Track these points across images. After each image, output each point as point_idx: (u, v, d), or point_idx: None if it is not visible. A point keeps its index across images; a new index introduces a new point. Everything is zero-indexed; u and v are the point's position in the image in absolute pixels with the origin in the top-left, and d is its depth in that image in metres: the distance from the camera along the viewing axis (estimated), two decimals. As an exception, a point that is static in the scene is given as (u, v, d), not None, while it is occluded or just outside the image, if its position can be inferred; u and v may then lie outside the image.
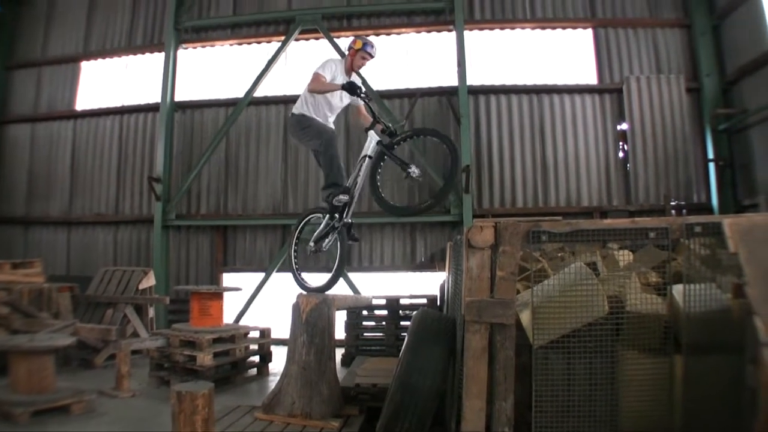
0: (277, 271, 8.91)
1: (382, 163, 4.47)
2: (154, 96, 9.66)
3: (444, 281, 6.28)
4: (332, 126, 4.77)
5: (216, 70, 9.79)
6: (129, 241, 9.58)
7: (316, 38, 9.40)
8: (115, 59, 10.27)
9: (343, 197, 4.45)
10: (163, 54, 9.63)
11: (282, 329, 6.31)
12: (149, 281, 7.76)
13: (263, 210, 9.10)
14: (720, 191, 8.57)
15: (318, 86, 4.42)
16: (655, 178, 8.52)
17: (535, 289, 2.98)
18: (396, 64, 9.16)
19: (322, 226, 4.79)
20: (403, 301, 7.24)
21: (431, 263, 8.74)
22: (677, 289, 3.02)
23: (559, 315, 2.92)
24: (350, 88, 4.28)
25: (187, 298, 7.19)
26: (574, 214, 8.53)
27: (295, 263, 4.97)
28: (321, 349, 4.19)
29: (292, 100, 9.18)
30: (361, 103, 4.65)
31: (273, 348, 6.93)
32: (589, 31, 9.00)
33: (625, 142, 8.71)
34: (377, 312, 7.27)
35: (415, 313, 3.90)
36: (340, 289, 8.21)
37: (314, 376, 4.11)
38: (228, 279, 9.26)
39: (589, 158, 8.67)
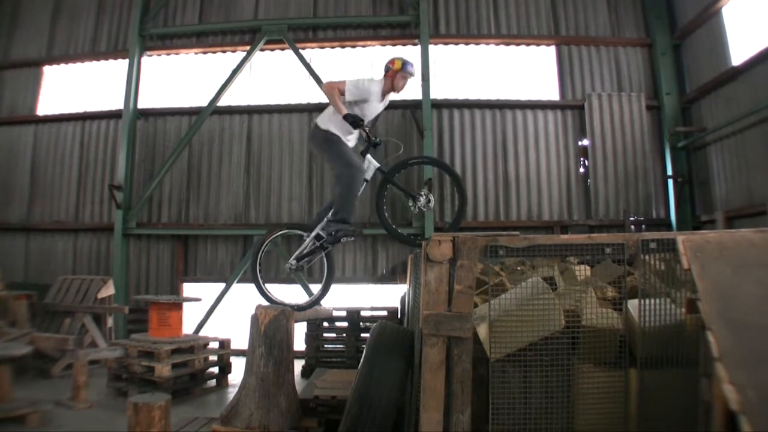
0: (237, 282, 9.71)
1: (385, 192, 4.85)
2: (116, 103, 10.46)
3: (405, 294, 6.98)
4: (357, 157, 4.98)
5: (180, 79, 10.63)
6: (89, 249, 10.33)
7: (282, 49, 10.29)
8: (79, 65, 11.07)
9: (350, 238, 4.84)
10: (127, 60, 10.46)
11: (242, 340, 6.78)
12: (108, 290, 8.47)
13: (225, 220, 9.94)
14: (678, 207, 9.58)
15: (331, 96, 4.75)
16: (615, 194, 9.50)
17: (492, 303, 3.26)
18: (361, 76, 10.04)
19: (307, 246, 5.08)
20: (363, 313, 7.96)
21: (393, 275, 9.62)
22: (632, 304, 3.35)
23: (515, 329, 3.18)
24: (353, 122, 4.59)
25: (146, 308, 7.74)
26: (535, 228, 9.48)
27: (261, 277, 5.29)
28: (279, 361, 4.44)
29: (255, 110, 10.11)
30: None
31: (233, 359, 7.49)
32: (553, 48, 10.05)
33: (586, 157, 9.70)
34: (338, 324, 7.99)
35: (373, 325, 4.26)
36: (301, 300, 9.09)
37: (272, 387, 4.34)
38: (189, 289, 10.05)
39: (550, 173, 9.63)
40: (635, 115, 9.63)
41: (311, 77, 9.88)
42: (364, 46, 10.23)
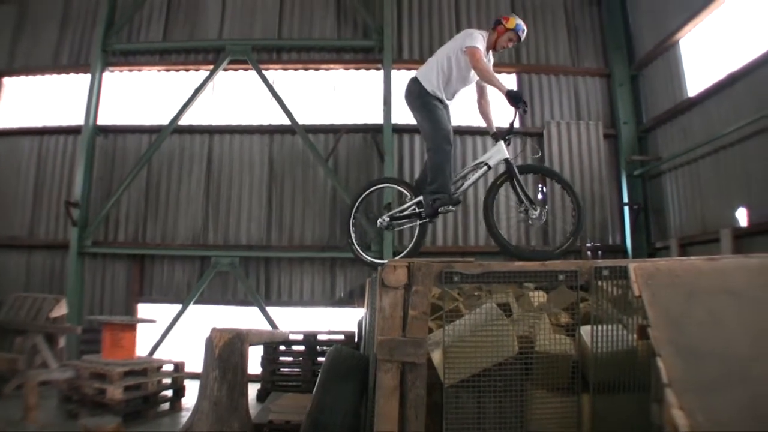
0: (194, 303, 10.03)
1: (501, 189, 4.79)
2: (76, 118, 10.75)
3: (362, 318, 7.16)
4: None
5: (142, 96, 10.97)
6: (42, 267, 10.53)
7: (245, 69, 10.73)
8: (40, 77, 11.33)
9: (452, 208, 4.72)
10: (89, 75, 10.77)
11: (197, 363, 7.01)
12: (61, 310, 8.65)
13: (182, 240, 10.27)
14: (634, 234, 10.18)
15: (485, 72, 4.52)
16: (572, 220, 10.03)
17: (446, 329, 3.38)
18: (323, 100, 10.56)
19: (406, 207, 5.01)
20: (320, 337, 8.26)
21: (350, 299, 10.04)
22: (585, 330, 3.52)
23: (470, 354, 3.31)
24: (515, 96, 4.48)
25: (100, 329, 7.79)
26: (493, 254, 9.95)
27: (354, 236, 5.24)
28: (233, 385, 4.60)
29: (217, 130, 10.52)
30: (488, 90, 5.05)
31: (187, 382, 7.60)
32: (514, 76, 10.63)
33: (544, 184, 10.23)
34: (295, 347, 8.26)
35: (328, 350, 4.48)
36: (257, 323, 9.46)
37: (226, 412, 4.48)
38: (144, 310, 10.31)
39: (509, 199, 10.13)
40: (593, 143, 10.24)
41: (274, 99, 10.31)
42: (327, 69, 10.72)
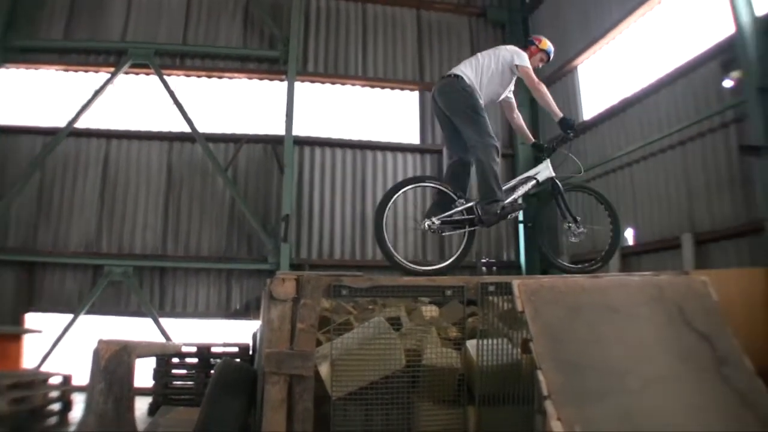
0: (86, 314, 10.01)
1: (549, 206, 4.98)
2: (-35, 116, 10.57)
3: (257, 330, 7.19)
4: None
5: (39, 95, 10.92)
6: None
7: (147, 74, 10.87)
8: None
9: (516, 213, 4.83)
10: (-17, 72, 10.64)
11: (87, 376, 7.21)
12: None
13: (75, 248, 10.31)
14: (528, 251, 10.82)
15: (544, 94, 4.80)
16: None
17: (334, 342, 3.49)
18: (225, 109, 10.82)
19: (456, 213, 4.72)
20: (214, 350, 8.36)
21: (246, 311, 10.29)
22: (472, 344, 3.66)
23: (357, 367, 3.42)
24: (568, 124, 4.82)
25: None
26: (389, 267, 10.38)
27: (386, 237, 4.72)
28: (119, 398, 4.43)
29: (115, 135, 10.60)
30: (513, 99, 5.23)
31: (76, 395, 7.38)
32: (416, 93, 11.19)
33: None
34: (188, 360, 8.30)
35: (217, 362, 4.58)
36: (150, 335, 9.62)
37: (111, 425, 4.30)
38: (33, 320, 10.20)
39: (407, 215, 10.65)
40: (491, 162, 10.84)
41: (175, 105, 10.49)
42: (231, 78, 11.01)
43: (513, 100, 5.29)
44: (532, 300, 3.31)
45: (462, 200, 4.76)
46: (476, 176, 4.73)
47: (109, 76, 10.69)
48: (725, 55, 7.22)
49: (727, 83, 7.17)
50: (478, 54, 4.97)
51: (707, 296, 3.87)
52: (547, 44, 5.04)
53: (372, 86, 11.17)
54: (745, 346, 3.75)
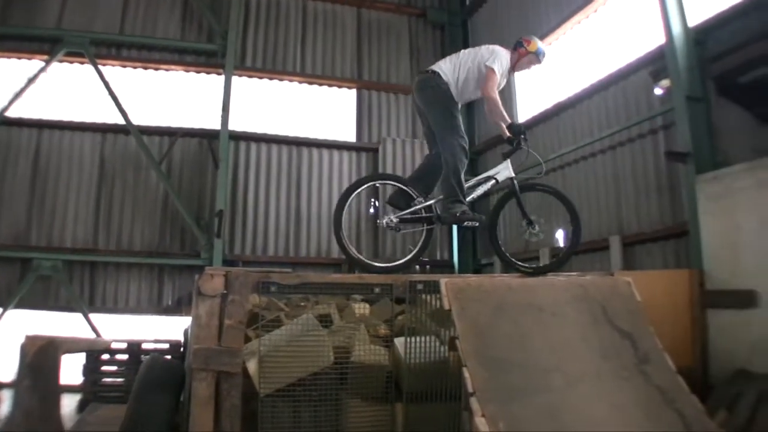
0: (14, 309, 9.78)
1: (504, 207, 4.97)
2: None
3: (188, 326, 7.58)
4: None
5: (-32, 83, 10.77)
6: None
7: (82, 63, 10.77)
8: None
9: (476, 224, 4.74)
10: None
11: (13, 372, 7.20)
12: None
13: (3, 240, 10.13)
14: (461, 250, 11.18)
15: (493, 100, 4.68)
16: (401, 235, 10.86)
17: (262, 339, 3.55)
18: (161, 101, 10.87)
19: (413, 212, 4.82)
20: (145, 346, 8.28)
21: (178, 307, 10.38)
22: (400, 341, 3.80)
23: (285, 364, 3.49)
24: (517, 131, 4.74)
25: None
26: (324, 264, 10.71)
27: (346, 235, 4.87)
28: (45, 395, 4.38)
29: (47, 125, 10.50)
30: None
31: (3, 393, 7.20)
32: (354, 91, 11.45)
33: (377, 198, 11.06)
34: (118, 356, 8.21)
35: (144, 359, 4.66)
36: (80, 330, 9.63)
37: (38, 422, 4.26)
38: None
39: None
40: (426, 162, 11.14)
41: (109, 96, 10.45)
42: (167, 70, 11.02)
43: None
44: (458, 298, 3.45)
45: (421, 198, 4.82)
46: (442, 175, 4.76)
47: (43, 64, 10.56)
48: (656, 64, 7.53)
49: (657, 91, 7.48)
50: (463, 50, 5.00)
51: (631, 297, 4.17)
52: (537, 45, 4.90)
53: (310, 83, 11.34)
54: (667, 345, 4.03)
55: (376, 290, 3.86)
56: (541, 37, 10.09)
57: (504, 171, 4.96)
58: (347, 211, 4.84)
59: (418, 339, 3.75)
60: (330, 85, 11.40)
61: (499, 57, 4.73)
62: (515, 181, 4.90)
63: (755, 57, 5.96)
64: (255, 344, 3.74)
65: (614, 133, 8.16)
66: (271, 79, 11.24)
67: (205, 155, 10.71)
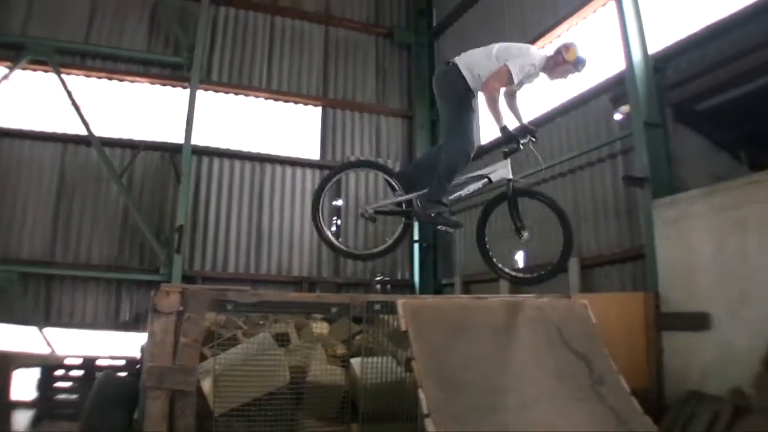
0: None
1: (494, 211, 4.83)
2: None
3: (145, 343, 7.75)
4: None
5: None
6: None
7: (45, 71, 10.70)
8: None
9: (451, 230, 4.78)
10: None
11: None
12: None
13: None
14: (423, 270, 11.35)
15: (490, 92, 4.40)
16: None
17: (218, 357, 3.64)
18: (124, 113, 10.85)
19: (393, 205, 4.82)
20: (100, 362, 8.17)
21: (136, 323, 10.32)
22: (357, 362, 3.95)
23: (241, 383, 3.56)
24: (507, 138, 4.49)
25: None
26: (283, 283, 10.79)
27: (322, 220, 4.83)
28: None
29: (7, 133, 10.36)
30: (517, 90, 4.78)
31: None
32: (319, 109, 11.60)
33: (339, 217, 11.19)
34: (73, 372, 8.00)
35: (99, 375, 4.61)
36: (32, 345, 9.56)
37: None
38: None
39: (303, 230, 11.04)
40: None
41: (72, 106, 10.39)
42: (132, 82, 11.01)
43: (515, 89, 4.87)
44: (415, 319, 3.51)
45: (401, 192, 4.71)
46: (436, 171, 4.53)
47: (6, 71, 10.47)
48: (616, 90, 7.78)
49: (617, 116, 7.74)
50: (500, 43, 4.69)
51: (587, 319, 4.29)
52: (575, 54, 4.52)
53: (275, 99, 11.44)
54: (622, 367, 4.14)
55: (333, 310, 3.95)
56: (506, 61, 10.49)
57: (501, 170, 4.68)
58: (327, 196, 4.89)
59: (375, 359, 3.86)
60: (296, 102, 11.51)
61: (524, 58, 4.47)
62: (512, 184, 4.64)
63: (712, 85, 6.15)
64: (210, 363, 3.75)
65: (575, 157, 8.36)
66: (236, 94, 11.30)
67: (167, 169, 10.72)
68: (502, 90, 4.66)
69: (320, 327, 5.34)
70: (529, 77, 4.58)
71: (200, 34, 10.96)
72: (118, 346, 9.93)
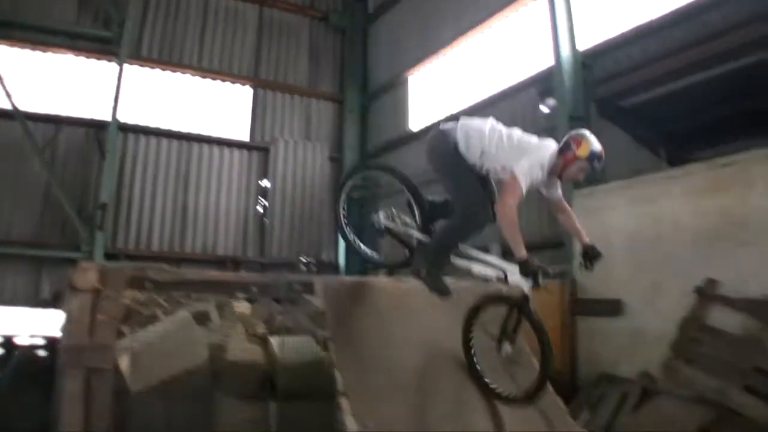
0: None
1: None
2: None
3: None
4: None
5: None
6: None
7: (-33, 41, 10.52)
8: None
9: (441, 298, 3.72)
10: None
11: None
12: None
13: None
14: (348, 252, 11.56)
15: (508, 212, 3.45)
16: (289, 235, 11.27)
17: (136, 335, 3.58)
18: (49, 87, 10.69)
19: (405, 231, 3.91)
20: (19, 341, 8.54)
21: (56, 301, 10.28)
22: (276, 341, 3.83)
23: (158, 361, 3.47)
24: (525, 271, 3.46)
25: None
26: (208, 261, 10.92)
27: (346, 224, 4.30)
28: None
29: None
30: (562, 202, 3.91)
31: None
32: (250, 89, 11.57)
33: (266, 198, 11.34)
34: None
35: (14, 355, 4.48)
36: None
37: None
38: None
39: (229, 209, 11.16)
40: (318, 164, 11.50)
41: (-5, 78, 10.24)
42: (56, 53, 10.76)
43: (559, 198, 3.96)
44: (332, 299, 3.56)
45: (414, 226, 3.93)
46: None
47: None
48: (544, 83, 8.03)
49: (544, 109, 8.00)
50: (512, 131, 3.72)
51: None
52: (589, 149, 3.51)
53: (206, 77, 11.45)
54: (535, 348, 3.84)
55: (254, 290, 3.91)
56: (437, 50, 10.63)
57: (522, 282, 3.62)
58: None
59: (294, 339, 3.90)
60: (226, 81, 11.54)
61: (533, 161, 3.53)
62: (529, 300, 3.64)
63: (636, 84, 6.44)
64: (128, 340, 3.73)
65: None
66: (166, 70, 11.26)
67: (91, 146, 10.62)
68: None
69: (242, 306, 5.23)
70: (536, 183, 3.64)
71: (131, 8, 10.82)
72: (38, 324, 9.90)
